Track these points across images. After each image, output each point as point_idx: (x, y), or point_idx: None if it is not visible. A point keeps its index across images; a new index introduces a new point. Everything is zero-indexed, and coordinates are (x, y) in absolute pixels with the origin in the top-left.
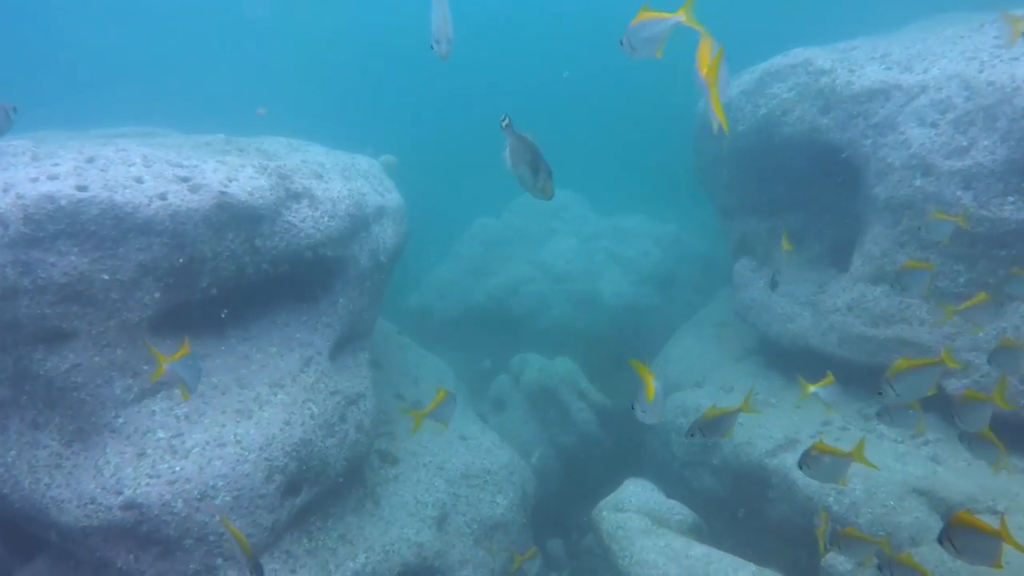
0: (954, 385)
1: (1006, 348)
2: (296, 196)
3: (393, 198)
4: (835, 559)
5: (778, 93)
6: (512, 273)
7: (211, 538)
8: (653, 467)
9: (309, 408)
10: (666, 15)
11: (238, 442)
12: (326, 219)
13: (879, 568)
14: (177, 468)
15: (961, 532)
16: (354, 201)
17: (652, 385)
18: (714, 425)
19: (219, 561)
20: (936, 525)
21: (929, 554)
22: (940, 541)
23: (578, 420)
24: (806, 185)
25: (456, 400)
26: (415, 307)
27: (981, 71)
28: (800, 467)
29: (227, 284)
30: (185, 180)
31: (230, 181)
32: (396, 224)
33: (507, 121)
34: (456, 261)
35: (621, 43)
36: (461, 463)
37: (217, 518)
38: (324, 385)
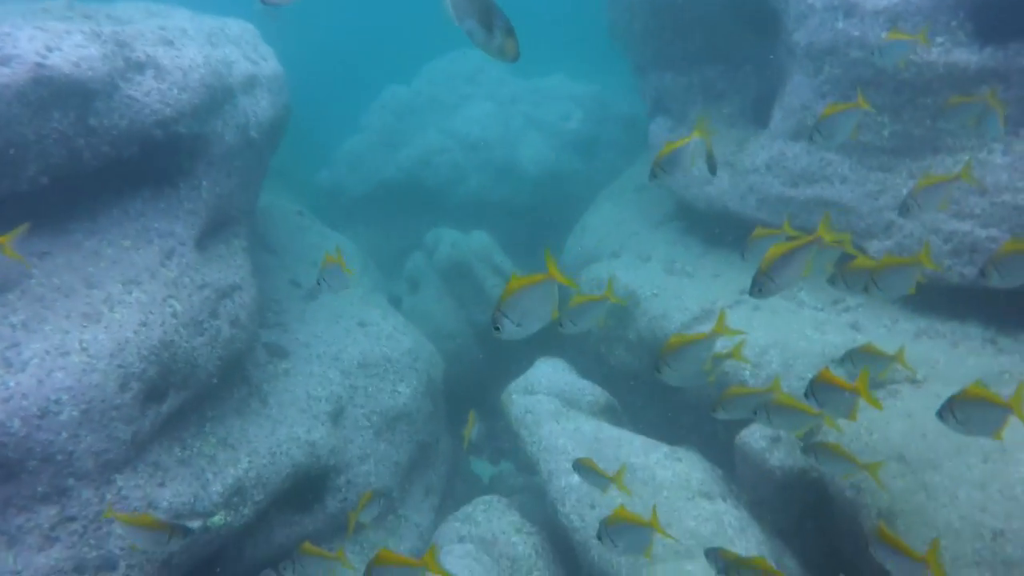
0: (875, 247)
1: (921, 190)
2: (138, 67)
3: (269, 66)
4: (751, 434)
5: None
6: (425, 143)
7: (59, 457)
8: (570, 344)
9: (171, 305)
10: None
11: (84, 349)
12: (175, 91)
13: (804, 451)
14: (12, 383)
15: (823, 387)
16: (211, 70)
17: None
18: (580, 312)
19: (71, 481)
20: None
21: (846, 426)
22: (806, 395)
23: (493, 296)
24: (724, 35)
25: (341, 273)
26: (325, 183)
27: None
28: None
29: (60, 171)
30: None
31: (49, 51)
32: (272, 95)
33: None
34: (366, 133)
35: None
36: (359, 352)
37: (64, 435)
38: (190, 279)
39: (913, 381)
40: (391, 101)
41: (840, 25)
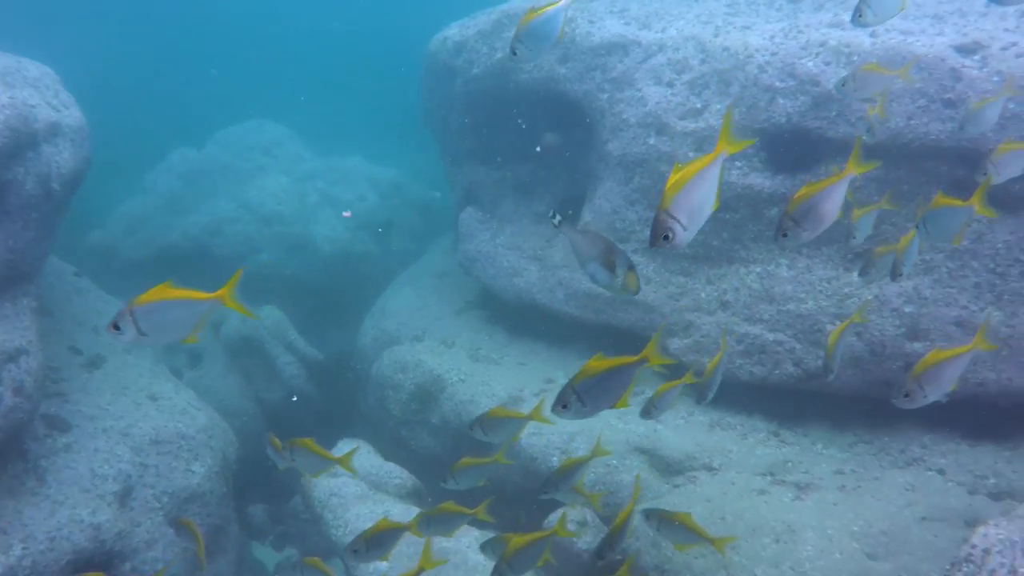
0: (676, 345)
1: None
2: None
3: (72, 115)
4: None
5: None
6: (215, 211)
7: None
8: (368, 426)
9: None
10: None
11: None
12: None
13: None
14: None
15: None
16: (17, 112)
17: None
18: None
19: None
20: (655, 482)
21: None
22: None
23: (285, 375)
24: (539, 136)
25: None
26: (97, 245)
27: (716, 36)
28: (471, 429)
29: None
30: None
31: None
32: (75, 147)
33: (558, 219)
34: (149, 195)
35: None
36: (150, 427)
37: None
38: None
39: (710, 468)
40: (179, 164)
41: (652, 141)
